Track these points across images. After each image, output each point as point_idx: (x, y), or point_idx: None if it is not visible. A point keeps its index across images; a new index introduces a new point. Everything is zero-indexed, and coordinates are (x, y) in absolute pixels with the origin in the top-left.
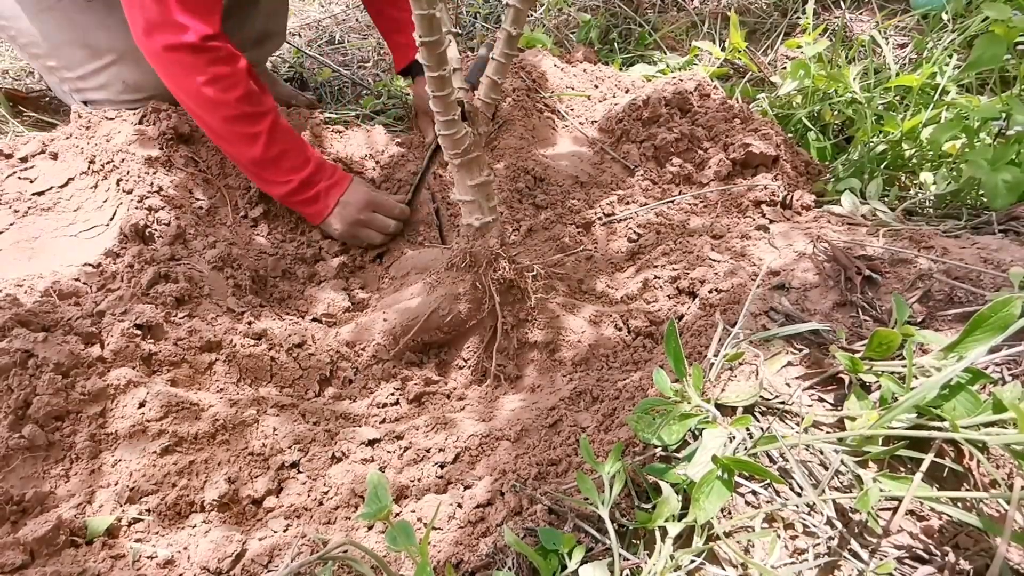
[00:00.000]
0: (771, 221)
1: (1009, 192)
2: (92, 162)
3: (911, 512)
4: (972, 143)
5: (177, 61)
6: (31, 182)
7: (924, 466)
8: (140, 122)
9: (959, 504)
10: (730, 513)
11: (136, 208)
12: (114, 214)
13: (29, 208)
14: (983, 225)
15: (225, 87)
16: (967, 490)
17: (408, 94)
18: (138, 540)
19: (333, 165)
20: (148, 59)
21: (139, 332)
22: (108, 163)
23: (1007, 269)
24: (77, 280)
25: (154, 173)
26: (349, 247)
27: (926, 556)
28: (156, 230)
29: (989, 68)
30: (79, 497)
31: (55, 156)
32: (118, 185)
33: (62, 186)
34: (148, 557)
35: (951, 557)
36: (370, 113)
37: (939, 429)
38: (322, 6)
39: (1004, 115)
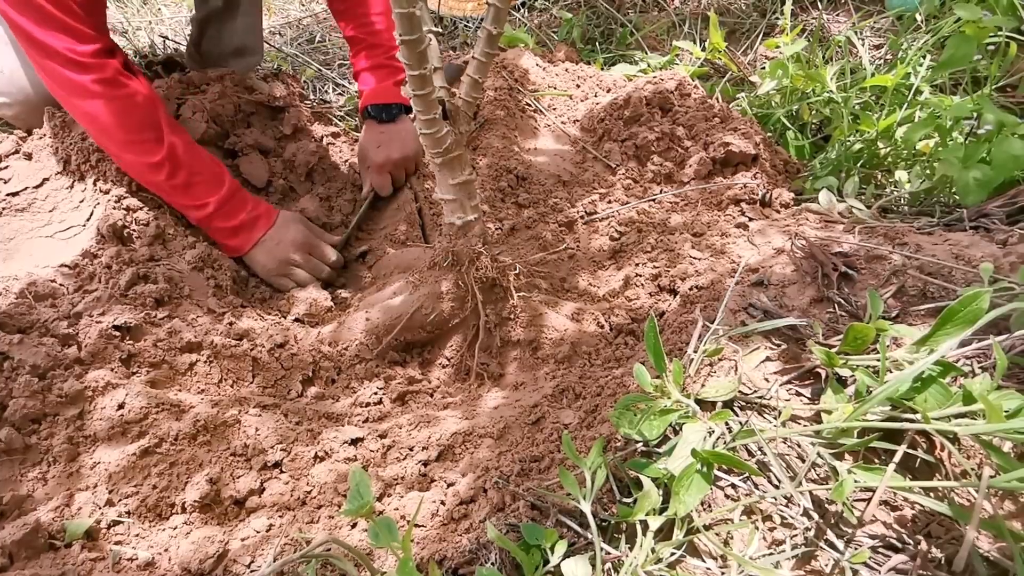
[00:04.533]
0: (750, 219)
1: (980, 189)
2: (67, 162)
3: (885, 502)
4: (944, 141)
5: (62, 80)
6: (5, 182)
7: (897, 457)
8: None
9: (931, 493)
10: (710, 506)
11: (114, 208)
12: (91, 214)
13: (3, 209)
14: (955, 222)
15: (114, 110)
16: (939, 480)
17: None
18: (118, 542)
19: (255, 197)
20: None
21: (118, 333)
22: (84, 163)
23: (977, 265)
24: (53, 281)
25: None
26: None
27: (899, 545)
28: (134, 230)
29: (961, 68)
30: (57, 500)
31: (29, 156)
32: (95, 185)
33: (37, 186)
34: (128, 559)
35: (923, 545)
36: (352, 112)
37: (912, 421)
38: (303, 4)
39: (975, 114)
